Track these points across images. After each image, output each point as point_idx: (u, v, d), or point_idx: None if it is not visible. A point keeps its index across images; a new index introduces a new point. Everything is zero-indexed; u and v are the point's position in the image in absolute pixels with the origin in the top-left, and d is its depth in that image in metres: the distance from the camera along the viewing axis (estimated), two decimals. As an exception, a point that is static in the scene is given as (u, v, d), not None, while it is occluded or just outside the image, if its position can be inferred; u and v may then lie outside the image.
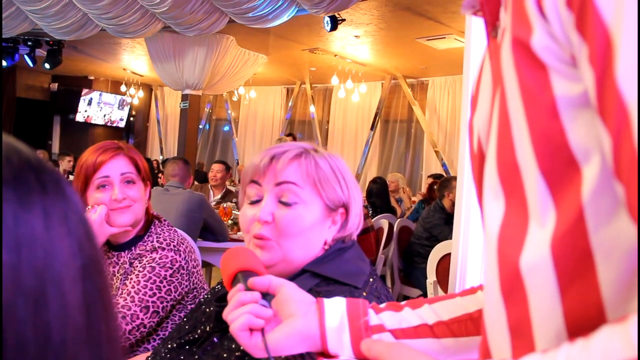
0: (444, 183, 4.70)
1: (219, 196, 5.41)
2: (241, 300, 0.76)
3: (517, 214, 0.52)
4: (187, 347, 1.11)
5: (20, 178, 0.39)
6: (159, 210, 1.91)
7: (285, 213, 1.04)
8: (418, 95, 10.34)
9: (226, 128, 13.52)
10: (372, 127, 10.91)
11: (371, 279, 1.07)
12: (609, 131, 0.41)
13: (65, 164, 8.17)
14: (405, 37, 7.46)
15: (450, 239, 3.13)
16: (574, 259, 0.47)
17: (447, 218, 4.36)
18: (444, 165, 9.67)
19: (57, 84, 13.02)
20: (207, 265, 4.46)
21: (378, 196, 5.61)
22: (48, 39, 8.77)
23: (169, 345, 1.14)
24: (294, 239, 1.04)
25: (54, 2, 7.24)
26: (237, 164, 12.37)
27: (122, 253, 1.68)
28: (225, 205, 4.56)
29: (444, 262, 3.27)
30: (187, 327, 1.17)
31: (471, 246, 2.34)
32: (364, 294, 1.02)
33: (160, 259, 1.61)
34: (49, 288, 0.38)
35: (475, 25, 2.30)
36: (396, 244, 4.73)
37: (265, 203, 1.05)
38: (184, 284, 1.64)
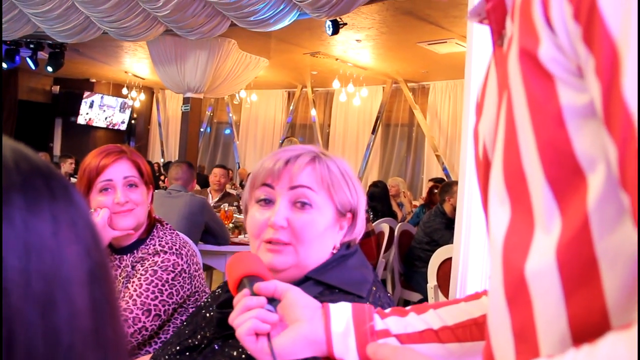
0: (445, 188, 4.70)
1: (217, 198, 5.41)
2: (247, 305, 0.77)
3: (522, 220, 0.53)
4: (187, 353, 1.10)
5: (30, 184, 0.39)
6: (160, 213, 1.91)
7: (300, 217, 1.03)
8: (419, 99, 10.36)
9: (227, 131, 13.54)
10: (373, 131, 10.92)
11: (374, 287, 1.06)
12: (614, 141, 0.42)
13: (67, 166, 8.18)
14: (407, 41, 7.48)
15: (451, 243, 3.13)
16: (579, 266, 0.47)
17: (448, 222, 4.36)
18: (444, 169, 9.68)
19: (58, 86, 13.04)
20: (208, 269, 4.46)
21: (379, 200, 5.62)
22: (50, 42, 8.79)
23: (169, 350, 1.14)
24: (309, 244, 1.03)
25: (56, 5, 7.26)
26: (238, 167, 12.38)
27: (125, 256, 1.69)
28: (226, 208, 4.57)
29: (445, 267, 3.27)
30: (187, 331, 1.16)
31: (472, 251, 2.34)
32: (367, 303, 1.02)
33: (162, 262, 1.62)
34: (57, 293, 0.38)
35: (477, 30, 2.30)
36: (397, 248, 4.73)
37: (279, 207, 1.02)
38: (185, 287, 1.64)
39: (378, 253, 4.54)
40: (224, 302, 1.06)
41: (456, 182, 4.00)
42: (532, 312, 0.51)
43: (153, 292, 1.57)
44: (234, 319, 0.77)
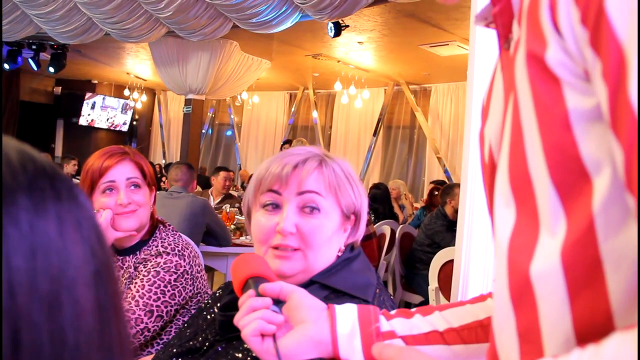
0: (446, 190, 4.70)
1: (218, 200, 5.42)
2: (253, 306, 0.77)
3: (528, 222, 0.53)
4: (189, 355, 1.10)
5: (36, 185, 0.39)
6: (162, 214, 1.91)
7: (308, 222, 1.01)
8: (421, 101, 10.37)
9: (229, 133, 13.55)
10: (375, 133, 10.93)
11: (378, 290, 1.06)
12: (621, 145, 0.42)
13: (70, 167, 8.19)
14: (409, 43, 7.48)
15: (452, 245, 3.14)
16: (583, 268, 0.48)
17: (449, 225, 4.37)
18: (446, 171, 9.67)
19: (60, 87, 13.07)
20: (209, 270, 4.46)
21: (381, 202, 5.62)
22: (52, 43, 8.81)
23: (170, 351, 1.14)
24: (318, 248, 1.02)
25: (58, 6, 7.28)
26: (240, 168, 12.38)
27: (127, 257, 1.69)
28: (228, 209, 4.57)
29: (446, 269, 3.27)
30: (187, 333, 1.16)
31: (474, 253, 2.34)
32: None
33: (164, 263, 1.62)
34: (63, 293, 0.38)
35: (480, 33, 2.30)
36: (398, 250, 4.73)
37: (287, 213, 1.01)
38: (188, 288, 1.64)
39: (379, 255, 4.55)
40: (226, 305, 1.06)
41: (457, 185, 4.00)
42: (537, 313, 0.52)
43: (155, 293, 1.57)
44: (239, 320, 0.78)
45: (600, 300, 0.47)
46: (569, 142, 0.48)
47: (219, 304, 1.13)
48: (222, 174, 5.59)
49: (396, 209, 6.12)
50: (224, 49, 8.11)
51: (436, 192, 5.61)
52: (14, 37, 8.40)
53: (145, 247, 1.69)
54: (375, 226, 4.64)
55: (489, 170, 0.63)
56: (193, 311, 1.66)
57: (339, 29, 6.38)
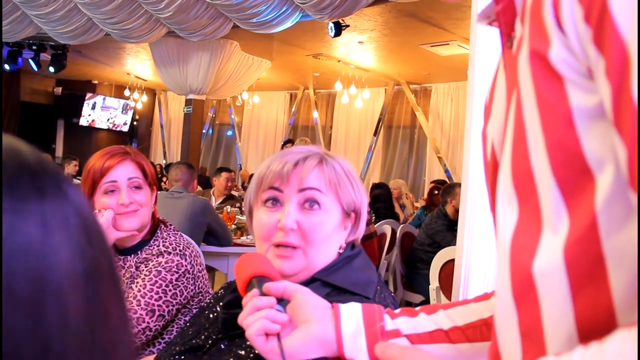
0: (447, 189, 4.70)
1: (220, 200, 5.42)
2: (257, 305, 0.77)
3: (530, 220, 0.53)
4: (191, 353, 1.11)
5: (15, 184, 0.37)
6: (162, 214, 1.92)
7: (309, 219, 1.03)
8: (421, 101, 10.36)
9: (229, 133, 13.55)
10: (375, 133, 10.92)
11: (379, 287, 1.07)
12: (624, 143, 0.42)
13: (71, 168, 8.20)
14: (409, 43, 7.48)
15: (453, 245, 3.14)
16: (586, 265, 0.48)
17: (450, 224, 4.37)
18: (446, 171, 9.67)
19: (61, 87, 13.07)
20: (210, 270, 4.46)
21: (383, 202, 5.62)
22: (53, 43, 8.80)
23: (173, 350, 1.14)
24: (318, 245, 1.03)
25: (58, 7, 7.28)
26: (240, 168, 12.38)
27: (129, 257, 1.69)
28: (229, 209, 4.57)
29: (447, 268, 3.27)
30: (190, 332, 1.16)
31: (475, 252, 2.34)
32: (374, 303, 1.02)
33: (166, 263, 1.62)
34: (47, 297, 0.36)
35: (481, 32, 2.30)
36: (399, 249, 4.73)
37: (288, 210, 1.02)
38: (189, 288, 1.64)
39: (380, 255, 4.55)
40: (229, 303, 1.07)
41: (458, 184, 4.00)
42: (539, 311, 0.52)
43: (157, 293, 1.57)
44: (243, 319, 0.77)
45: (603, 298, 0.47)
46: (572, 140, 0.48)
47: (221, 303, 1.14)
48: (224, 174, 5.59)
49: (397, 209, 6.12)
50: (225, 49, 8.11)
51: (436, 192, 5.61)
52: (15, 37, 8.40)
53: (147, 247, 1.69)
54: (375, 226, 4.64)
55: (492, 169, 0.63)
56: (194, 310, 1.67)
57: (339, 29, 6.38)
